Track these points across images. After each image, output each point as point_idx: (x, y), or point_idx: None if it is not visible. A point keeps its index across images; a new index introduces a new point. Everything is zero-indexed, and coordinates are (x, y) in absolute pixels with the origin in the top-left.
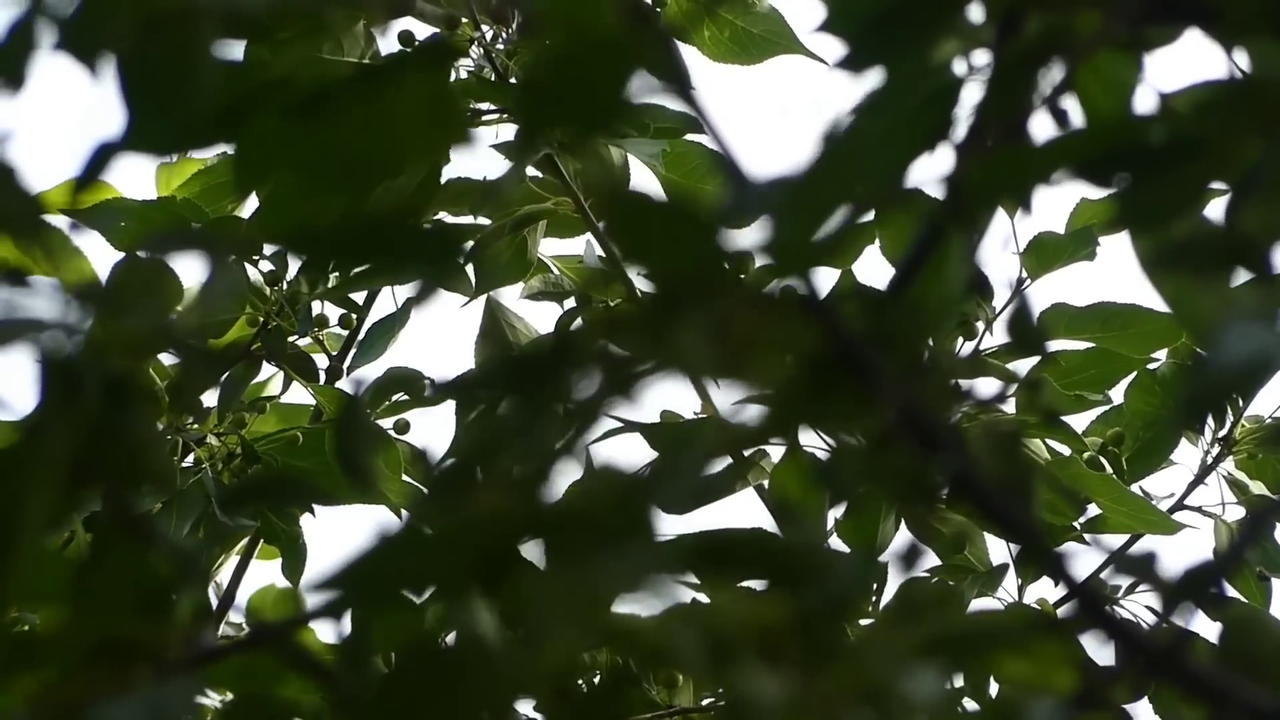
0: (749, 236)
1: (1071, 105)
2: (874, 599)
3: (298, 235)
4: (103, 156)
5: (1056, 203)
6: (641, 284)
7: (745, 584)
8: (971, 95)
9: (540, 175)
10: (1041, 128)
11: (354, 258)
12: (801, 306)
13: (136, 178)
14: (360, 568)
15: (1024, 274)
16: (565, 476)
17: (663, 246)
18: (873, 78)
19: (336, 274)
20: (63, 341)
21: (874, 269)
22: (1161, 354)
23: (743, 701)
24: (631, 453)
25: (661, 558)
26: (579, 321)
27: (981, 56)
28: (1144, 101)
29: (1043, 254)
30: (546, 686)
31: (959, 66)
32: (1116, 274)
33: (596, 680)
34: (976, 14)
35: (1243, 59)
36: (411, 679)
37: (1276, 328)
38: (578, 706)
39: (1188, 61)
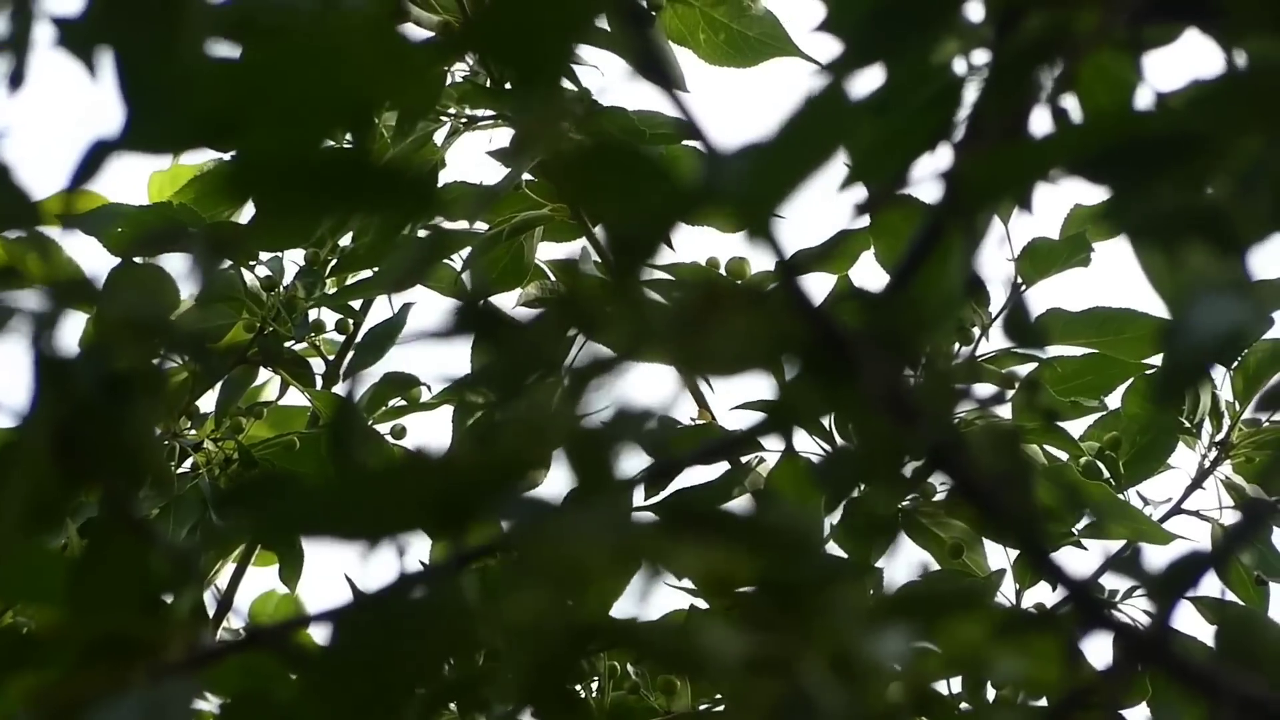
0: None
1: (1071, 104)
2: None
3: (267, 174)
4: (99, 154)
5: (1050, 209)
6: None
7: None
8: (972, 94)
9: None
10: (1041, 126)
11: (327, 195)
12: (781, 293)
13: (130, 184)
14: (325, 507)
15: (1018, 280)
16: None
17: (612, 189)
18: (870, 78)
19: (334, 279)
20: (51, 324)
21: (870, 278)
22: (1158, 358)
23: (703, 656)
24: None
25: (630, 518)
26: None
27: (981, 55)
28: (1143, 100)
29: (1037, 260)
30: (514, 647)
31: (959, 65)
32: (1111, 280)
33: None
34: (975, 12)
35: (1240, 58)
36: (374, 626)
37: (1250, 299)
38: (544, 670)
39: (1186, 60)
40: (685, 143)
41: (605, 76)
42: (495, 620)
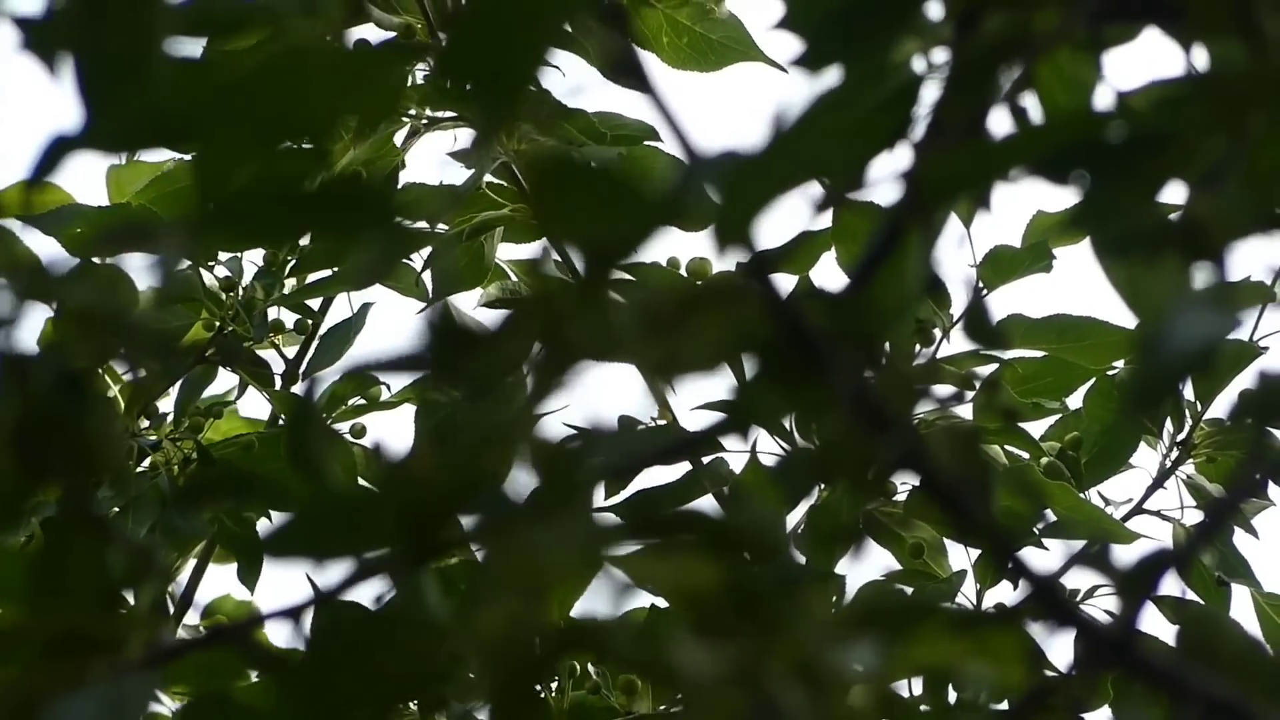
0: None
1: (1031, 104)
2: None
3: (248, 202)
4: (56, 152)
5: (1012, 215)
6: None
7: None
8: (930, 93)
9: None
10: (1001, 126)
11: (300, 221)
12: (752, 293)
13: (90, 184)
14: (296, 527)
15: (980, 285)
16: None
17: (583, 208)
18: (831, 77)
19: (293, 279)
20: (11, 320)
21: (830, 279)
22: (1119, 364)
23: (673, 672)
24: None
25: (596, 526)
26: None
27: (941, 54)
28: (1103, 100)
29: (999, 266)
30: (483, 659)
31: (918, 64)
32: (1073, 287)
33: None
34: (935, 11)
35: (1200, 57)
36: (346, 645)
37: (1226, 313)
38: (505, 684)
39: (1145, 60)
40: (649, 143)
41: (567, 79)
42: (464, 631)
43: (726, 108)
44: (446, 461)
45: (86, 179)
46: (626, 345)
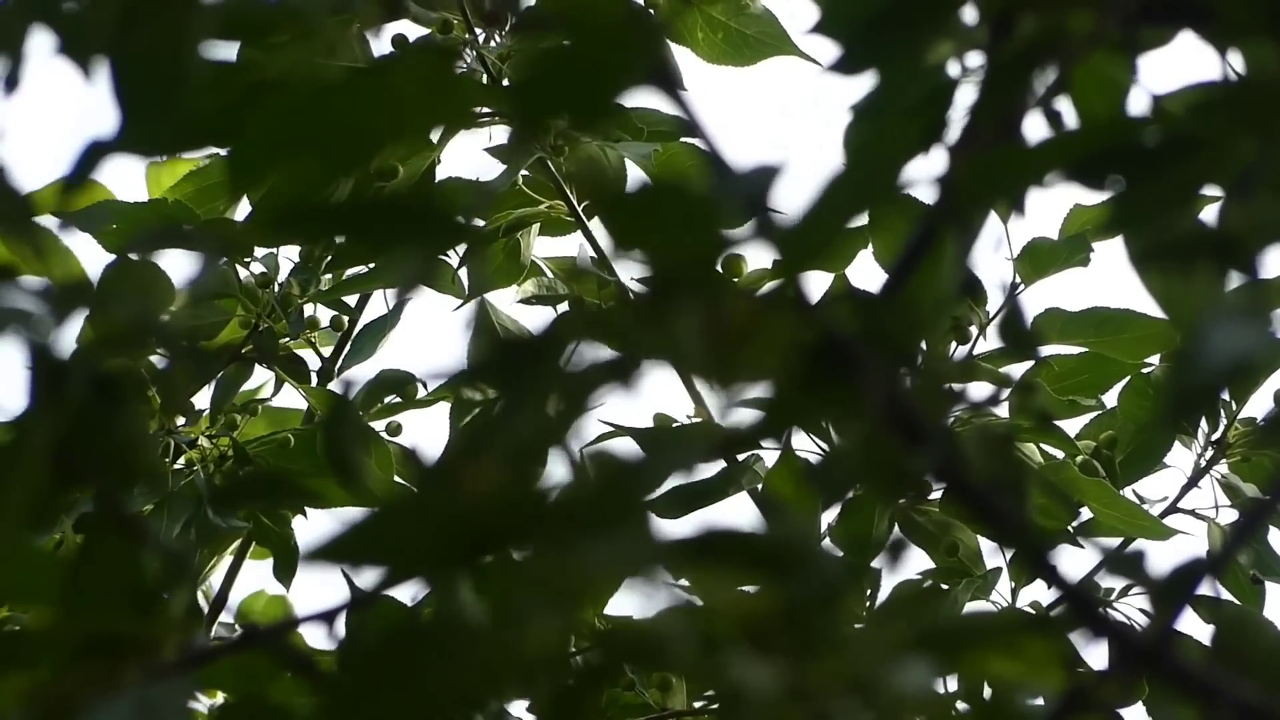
0: (742, 237)
1: (1065, 107)
2: (868, 603)
3: (296, 212)
4: (93, 155)
5: (1050, 208)
6: (632, 281)
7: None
8: (966, 96)
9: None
10: (1035, 129)
11: (353, 232)
12: (791, 302)
13: (128, 180)
14: (349, 541)
15: (1018, 279)
16: (556, 467)
17: (655, 233)
18: (868, 79)
19: (329, 275)
20: (49, 327)
21: (868, 275)
22: (1155, 358)
23: (735, 691)
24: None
25: (651, 546)
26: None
27: (976, 58)
28: (1138, 103)
29: (1036, 260)
30: (531, 674)
31: (953, 68)
32: (1110, 280)
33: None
34: (970, 15)
35: (1236, 61)
36: (391, 658)
37: (1262, 325)
38: (558, 695)
39: (1182, 65)
40: (684, 139)
41: None
42: (513, 645)
43: (762, 101)
44: (499, 473)
45: (127, 175)
46: (688, 357)
